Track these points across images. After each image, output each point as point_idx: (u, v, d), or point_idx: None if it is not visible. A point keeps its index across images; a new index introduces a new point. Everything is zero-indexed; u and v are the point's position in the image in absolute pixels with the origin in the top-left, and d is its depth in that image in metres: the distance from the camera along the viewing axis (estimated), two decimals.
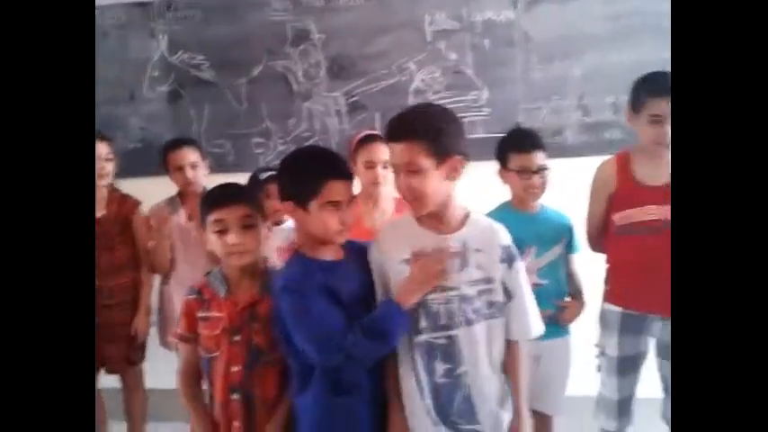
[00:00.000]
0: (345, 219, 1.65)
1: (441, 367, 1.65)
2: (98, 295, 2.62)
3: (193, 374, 1.86)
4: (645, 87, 2.13)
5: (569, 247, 2.36)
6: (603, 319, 2.33)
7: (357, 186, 2.01)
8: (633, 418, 2.34)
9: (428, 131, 1.57)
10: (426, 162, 1.56)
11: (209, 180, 2.75)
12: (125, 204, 2.86)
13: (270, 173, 2.43)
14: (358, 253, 1.73)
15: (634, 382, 2.32)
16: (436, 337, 1.65)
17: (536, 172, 2.22)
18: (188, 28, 3.39)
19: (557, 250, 2.31)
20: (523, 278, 1.73)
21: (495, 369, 1.70)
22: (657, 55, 2.94)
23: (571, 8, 3.08)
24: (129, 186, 2.95)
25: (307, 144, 3.26)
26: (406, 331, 1.63)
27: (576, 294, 2.39)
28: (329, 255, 1.70)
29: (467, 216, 1.71)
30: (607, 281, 2.35)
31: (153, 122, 3.48)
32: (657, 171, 2.14)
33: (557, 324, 2.28)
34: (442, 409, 1.66)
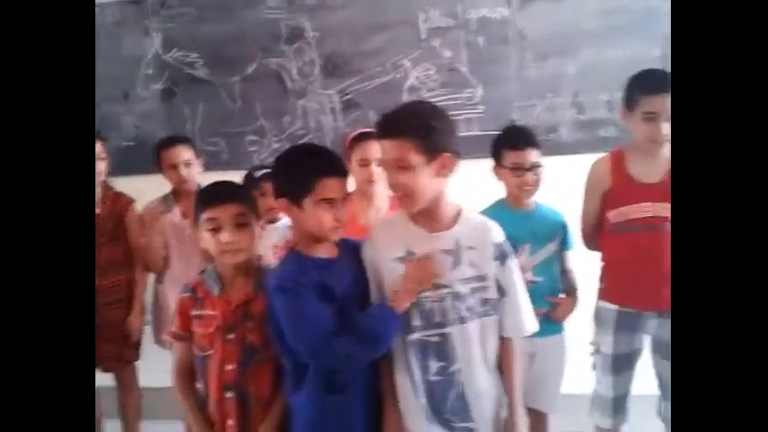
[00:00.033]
0: (340, 216, 1.64)
1: (434, 365, 1.65)
2: None
3: (188, 373, 1.85)
4: (638, 85, 2.13)
5: (564, 244, 2.36)
6: (598, 316, 2.34)
7: (352, 184, 2.02)
8: (628, 416, 2.35)
9: (418, 128, 1.57)
10: (416, 159, 1.57)
11: (203, 178, 2.75)
12: (119, 202, 2.86)
13: (265, 171, 2.42)
14: (352, 250, 1.74)
15: (629, 380, 2.32)
16: (429, 335, 1.65)
17: (530, 169, 2.22)
18: (182, 26, 3.37)
19: (551, 248, 2.31)
20: (517, 275, 1.73)
21: (489, 367, 1.71)
22: (652, 52, 2.95)
23: (566, 5, 3.07)
24: (123, 184, 2.95)
25: (301, 142, 3.25)
26: (399, 333, 1.64)
27: (571, 291, 2.39)
28: (324, 252, 1.70)
29: (459, 213, 1.71)
30: (602, 278, 2.35)
31: (147, 120, 3.46)
32: (652, 168, 2.15)
33: (551, 321, 2.29)
34: (436, 407, 1.66)
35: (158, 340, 2.92)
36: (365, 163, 2.33)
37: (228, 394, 1.75)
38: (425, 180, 1.59)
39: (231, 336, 1.76)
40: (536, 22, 3.10)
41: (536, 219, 2.30)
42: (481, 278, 1.68)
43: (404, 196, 1.63)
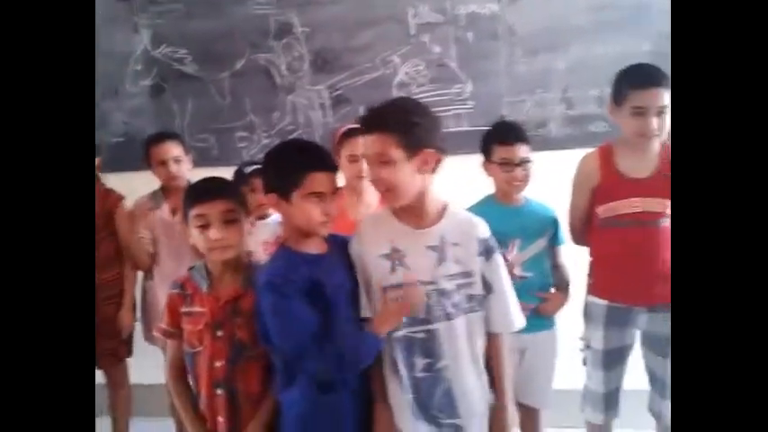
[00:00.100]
0: (329, 210, 1.64)
1: (420, 362, 1.66)
2: None
3: (180, 370, 1.85)
4: (627, 79, 2.13)
5: (554, 239, 2.36)
6: (588, 312, 2.34)
7: (342, 180, 2.01)
8: (619, 411, 2.35)
9: (400, 124, 1.58)
10: (397, 153, 1.58)
11: (193, 174, 2.74)
12: (108, 199, 2.84)
13: (255, 167, 2.42)
14: (341, 246, 1.74)
15: (620, 375, 2.33)
16: (415, 332, 1.65)
17: (519, 164, 2.21)
18: (171, 22, 3.35)
19: (541, 243, 2.31)
20: (503, 271, 1.74)
21: (476, 363, 1.71)
22: (642, 47, 2.96)
23: (555, 1, 3.07)
24: (113, 181, 2.94)
25: (290, 137, 3.24)
26: (380, 350, 1.65)
27: (563, 286, 2.39)
28: (314, 248, 1.70)
29: (445, 209, 1.72)
30: (591, 274, 2.35)
31: (136, 117, 3.44)
32: (641, 164, 2.15)
33: (542, 317, 2.29)
34: (423, 404, 1.66)
35: (148, 337, 2.90)
36: (354, 159, 2.33)
37: (218, 391, 1.75)
38: (407, 176, 1.60)
39: (220, 332, 1.75)
40: (525, 18, 3.10)
41: (525, 214, 2.30)
42: (467, 274, 1.68)
43: (386, 191, 1.64)
